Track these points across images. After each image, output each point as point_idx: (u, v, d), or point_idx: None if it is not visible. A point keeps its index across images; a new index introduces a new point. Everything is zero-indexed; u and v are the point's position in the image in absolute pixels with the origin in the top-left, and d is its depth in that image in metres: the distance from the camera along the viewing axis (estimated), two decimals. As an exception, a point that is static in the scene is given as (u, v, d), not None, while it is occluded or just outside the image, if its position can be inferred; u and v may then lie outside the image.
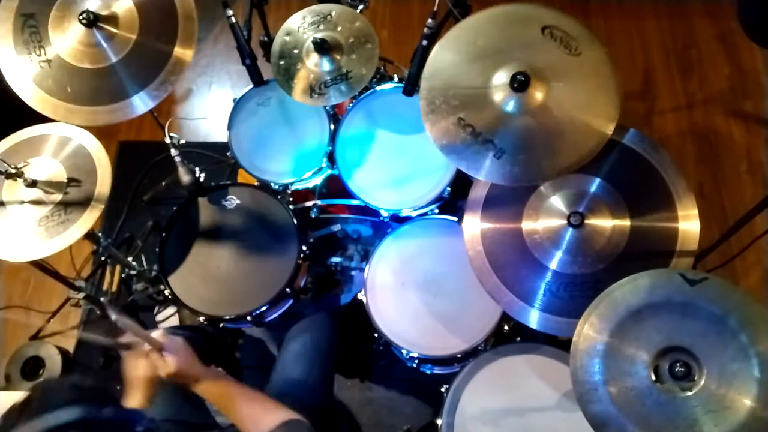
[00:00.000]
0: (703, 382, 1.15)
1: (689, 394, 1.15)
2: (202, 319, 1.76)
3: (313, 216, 1.95)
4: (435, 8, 1.46)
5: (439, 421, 1.58)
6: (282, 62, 1.72)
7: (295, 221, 1.81)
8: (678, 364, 1.15)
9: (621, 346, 1.21)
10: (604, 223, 1.47)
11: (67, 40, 1.58)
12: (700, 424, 1.13)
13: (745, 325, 1.17)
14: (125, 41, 1.58)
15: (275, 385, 1.57)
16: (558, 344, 1.62)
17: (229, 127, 1.94)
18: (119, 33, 1.58)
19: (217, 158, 2.45)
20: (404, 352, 1.70)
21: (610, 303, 1.25)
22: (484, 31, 1.44)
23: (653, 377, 1.18)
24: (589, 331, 1.24)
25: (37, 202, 1.62)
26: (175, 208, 1.87)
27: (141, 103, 1.56)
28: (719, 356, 1.16)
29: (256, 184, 1.91)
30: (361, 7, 1.81)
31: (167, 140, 1.82)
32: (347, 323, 1.87)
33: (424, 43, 1.50)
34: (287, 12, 1.77)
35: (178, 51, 1.56)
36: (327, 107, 1.89)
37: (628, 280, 1.26)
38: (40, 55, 1.57)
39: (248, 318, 1.75)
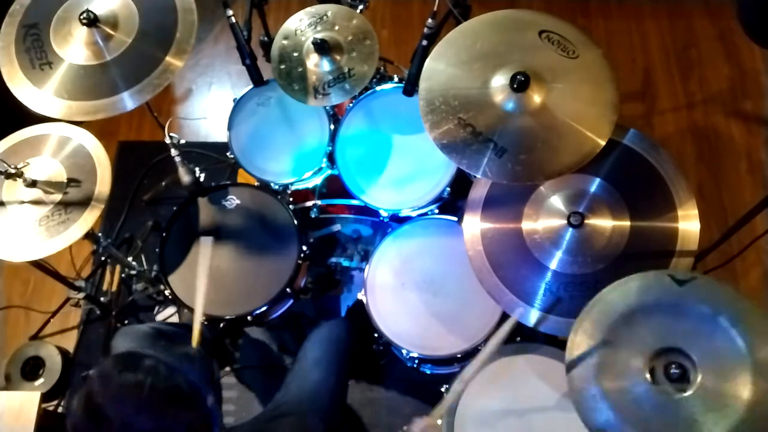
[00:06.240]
0: (699, 381, 1.15)
1: (687, 394, 1.15)
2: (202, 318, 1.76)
3: (313, 216, 1.95)
4: (435, 8, 1.47)
5: (439, 421, 1.58)
6: (283, 66, 1.72)
7: (295, 221, 1.81)
8: (673, 366, 1.15)
9: (616, 351, 1.21)
10: (604, 223, 1.47)
11: (67, 39, 1.60)
12: (700, 424, 1.13)
13: (736, 322, 1.17)
14: (121, 43, 1.59)
15: (292, 389, 1.56)
16: (558, 344, 1.62)
17: (229, 127, 1.94)
18: (116, 35, 1.59)
19: (217, 158, 2.45)
20: (404, 352, 1.70)
21: (601, 308, 1.25)
22: (483, 35, 1.45)
23: (650, 380, 1.17)
24: (583, 338, 1.23)
25: (37, 202, 1.62)
26: (175, 208, 1.87)
27: (131, 100, 1.56)
28: (713, 355, 1.16)
29: (256, 184, 1.91)
30: (361, 7, 1.81)
31: (167, 140, 1.82)
32: (360, 327, 1.87)
33: (424, 43, 1.51)
34: (287, 12, 1.77)
35: (170, 59, 1.56)
36: (327, 107, 1.89)
37: (618, 283, 1.26)
38: (41, 59, 1.59)
39: (248, 318, 1.75)
